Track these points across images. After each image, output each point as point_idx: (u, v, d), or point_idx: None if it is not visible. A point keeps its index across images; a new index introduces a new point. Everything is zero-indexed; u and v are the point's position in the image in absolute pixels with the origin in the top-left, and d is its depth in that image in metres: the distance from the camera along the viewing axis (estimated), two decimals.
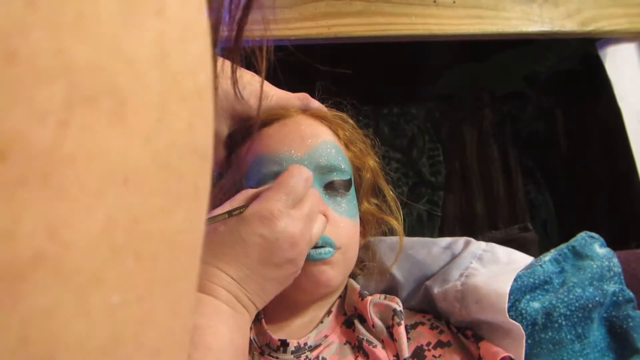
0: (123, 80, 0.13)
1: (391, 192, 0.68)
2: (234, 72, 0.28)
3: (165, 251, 0.15)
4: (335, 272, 0.58)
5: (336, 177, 0.60)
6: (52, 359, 0.12)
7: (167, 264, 0.15)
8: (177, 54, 0.15)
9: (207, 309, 0.46)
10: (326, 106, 0.67)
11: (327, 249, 0.56)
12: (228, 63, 0.27)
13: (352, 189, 0.63)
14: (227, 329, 0.46)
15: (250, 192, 0.52)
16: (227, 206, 0.51)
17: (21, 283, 0.11)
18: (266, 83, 0.64)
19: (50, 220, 0.12)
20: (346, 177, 0.61)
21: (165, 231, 0.15)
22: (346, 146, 0.64)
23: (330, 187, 0.60)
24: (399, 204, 0.69)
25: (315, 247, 0.56)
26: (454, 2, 1.11)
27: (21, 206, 0.11)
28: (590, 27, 1.12)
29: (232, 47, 0.25)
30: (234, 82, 0.29)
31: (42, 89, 0.11)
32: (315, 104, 0.66)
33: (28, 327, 0.11)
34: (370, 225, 0.68)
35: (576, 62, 1.68)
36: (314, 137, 0.60)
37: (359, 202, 0.65)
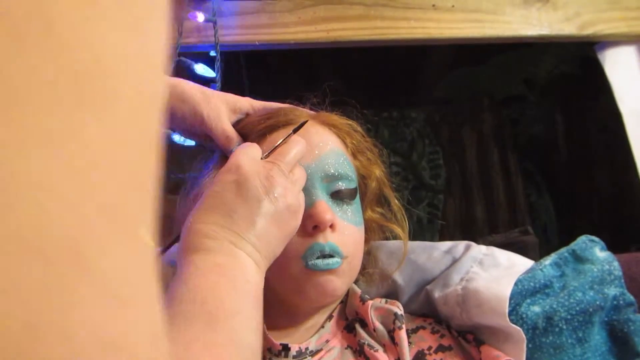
0: None
1: (397, 201, 0.68)
2: None
3: None
4: (342, 281, 0.58)
5: (343, 185, 0.60)
6: None
7: None
8: None
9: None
10: (336, 114, 0.67)
11: (335, 259, 0.56)
12: None
13: (358, 197, 0.63)
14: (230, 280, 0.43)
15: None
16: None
17: None
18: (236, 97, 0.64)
19: None
20: (352, 185, 0.61)
21: None
22: (353, 155, 0.64)
23: (336, 196, 0.60)
24: (404, 212, 0.69)
25: (323, 256, 0.56)
26: (453, 6, 1.11)
27: None
28: (588, 31, 1.12)
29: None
30: None
31: None
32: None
33: None
34: (373, 233, 0.68)
35: (575, 65, 1.68)
36: (322, 145, 0.60)
37: (363, 210, 0.65)
